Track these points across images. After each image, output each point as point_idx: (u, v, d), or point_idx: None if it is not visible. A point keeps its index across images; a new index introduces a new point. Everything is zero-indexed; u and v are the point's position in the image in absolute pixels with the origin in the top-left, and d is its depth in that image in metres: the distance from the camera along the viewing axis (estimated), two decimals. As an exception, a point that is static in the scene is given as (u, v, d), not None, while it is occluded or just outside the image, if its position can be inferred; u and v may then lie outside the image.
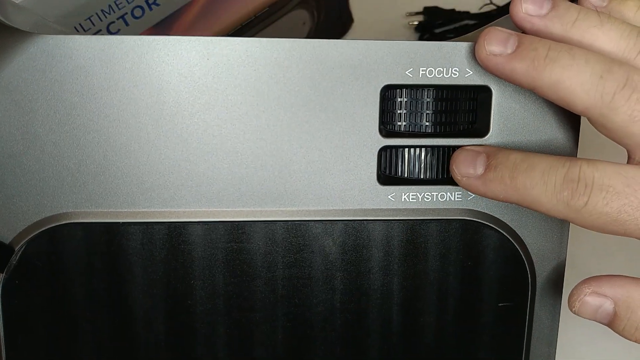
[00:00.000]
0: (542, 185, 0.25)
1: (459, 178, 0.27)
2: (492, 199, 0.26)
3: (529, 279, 0.29)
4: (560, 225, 0.29)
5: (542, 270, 0.30)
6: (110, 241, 0.28)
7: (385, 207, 0.28)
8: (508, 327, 0.30)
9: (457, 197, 0.28)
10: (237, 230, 0.28)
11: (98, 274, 0.28)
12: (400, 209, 0.28)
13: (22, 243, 0.27)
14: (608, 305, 0.26)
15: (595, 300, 0.26)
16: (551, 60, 0.24)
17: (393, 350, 0.30)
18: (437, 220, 0.28)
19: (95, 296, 0.28)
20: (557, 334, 0.30)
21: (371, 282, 0.29)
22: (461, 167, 0.27)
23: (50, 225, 0.27)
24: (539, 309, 0.30)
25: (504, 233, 0.29)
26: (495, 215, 0.29)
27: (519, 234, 0.29)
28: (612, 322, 0.26)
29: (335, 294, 0.29)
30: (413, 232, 0.28)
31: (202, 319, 0.29)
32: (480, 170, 0.26)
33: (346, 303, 0.29)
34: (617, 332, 0.26)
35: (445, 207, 0.28)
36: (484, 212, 0.29)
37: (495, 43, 0.25)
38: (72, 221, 0.27)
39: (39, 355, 0.28)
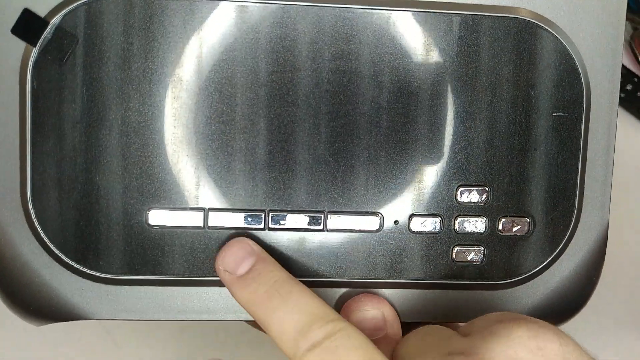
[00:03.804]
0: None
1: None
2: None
3: (584, 90, 0.28)
4: (615, 37, 0.29)
5: (597, 83, 0.28)
6: (150, 17, 0.26)
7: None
8: (563, 139, 0.29)
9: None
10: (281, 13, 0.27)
11: (135, 52, 0.26)
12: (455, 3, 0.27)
13: (57, 16, 0.26)
14: None
15: None
16: None
17: (441, 152, 0.28)
18: (491, 16, 0.28)
19: (130, 76, 0.27)
20: (614, 153, 0.29)
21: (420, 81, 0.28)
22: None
23: None
24: (595, 124, 0.29)
25: (557, 35, 0.28)
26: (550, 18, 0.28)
27: (573, 40, 0.28)
28: None
29: (382, 93, 0.28)
30: (466, 27, 0.28)
31: (240, 108, 0.27)
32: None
33: (394, 100, 0.28)
34: None
35: (499, 3, 0.28)
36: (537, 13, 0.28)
37: None
38: None
39: (65, 137, 0.27)
